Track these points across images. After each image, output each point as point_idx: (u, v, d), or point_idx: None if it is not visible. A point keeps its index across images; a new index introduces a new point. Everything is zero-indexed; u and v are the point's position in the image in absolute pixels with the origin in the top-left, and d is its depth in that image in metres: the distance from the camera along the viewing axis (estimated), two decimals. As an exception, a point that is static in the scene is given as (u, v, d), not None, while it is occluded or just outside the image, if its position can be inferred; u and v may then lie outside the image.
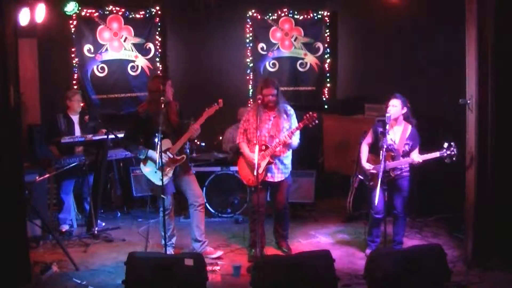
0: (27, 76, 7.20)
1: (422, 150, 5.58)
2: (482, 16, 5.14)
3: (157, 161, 5.44)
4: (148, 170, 5.71)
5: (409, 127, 5.64)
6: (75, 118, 6.93)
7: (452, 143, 5.31)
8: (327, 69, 8.86)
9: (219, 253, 5.79)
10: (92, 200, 6.66)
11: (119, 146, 7.20)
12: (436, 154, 5.38)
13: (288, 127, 5.67)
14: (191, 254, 5.22)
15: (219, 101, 5.65)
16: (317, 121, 5.59)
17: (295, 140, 5.71)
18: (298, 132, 5.69)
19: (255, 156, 5.37)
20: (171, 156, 5.58)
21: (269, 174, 5.73)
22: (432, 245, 5.27)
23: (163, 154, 5.44)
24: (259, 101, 5.56)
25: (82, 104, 7.19)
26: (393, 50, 7.84)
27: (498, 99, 5.23)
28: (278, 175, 5.78)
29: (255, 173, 5.34)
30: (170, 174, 5.63)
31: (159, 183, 5.51)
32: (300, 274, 4.52)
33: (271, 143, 5.65)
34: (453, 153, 5.29)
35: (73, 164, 6.53)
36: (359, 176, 5.97)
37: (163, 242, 5.53)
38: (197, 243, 5.79)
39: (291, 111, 5.79)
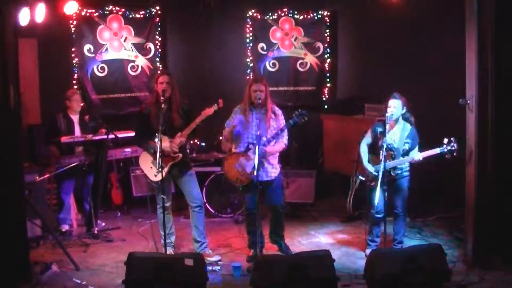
0: (27, 76, 7.20)
1: (422, 149, 5.58)
2: (482, 16, 5.14)
3: (157, 161, 5.41)
4: (145, 165, 5.73)
5: (408, 126, 5.64)
6: (75, 118, 6.92)
7: (452, 138, 5.32)
8: (327, 69, 8.86)
9: (216, 257, 5.75)
10: (92, 200, 6.66)
11: (119, 146, 7.22)
12: (436, 151, 5.38)
13: (276, 126, 5.63)
14: (191, 254, 5.22)
15: (219, 101, 5.65)
16: (306, 118, 5.51)
17: (278, 146, 5.61)
18: (285, 133, 5.61)
19: (255, 157, 5.33)
20: (176, 145, 5.55)
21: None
22: (432, 245, 5.26)
23: (168, 144, 5.51)
24: (246, 99, 5.57)
25: (82, 104, 7.19)
26: (393, 50, 7.84)
27: (498, 99, 5.23)
28: (265, 174, 5.65)
29: (248, 172, 5.40)
30: (165, 170, 5.59)
31: (153, 178, 5.58)
32: (300, 274, 4.52)
33: (258, 142, 5.51)
34: (453, 148, 5.30)
35: (73, 164, 6.53)
36: (360, 177, 5.96)
37: (162, 241, 5.54)
38: (196, 244, 5.79)
39: (278, 111, 5.74)
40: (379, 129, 5.61)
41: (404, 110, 5.63)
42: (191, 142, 7.45)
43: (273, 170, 5.70)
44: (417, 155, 5.48)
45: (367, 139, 5.82)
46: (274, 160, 5.74)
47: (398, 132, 5.63)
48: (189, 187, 5.76)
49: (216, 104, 5.60)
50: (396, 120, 5.63)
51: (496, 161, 5.29)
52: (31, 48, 7.60)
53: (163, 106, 5.46)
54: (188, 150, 6.86)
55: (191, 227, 5.81)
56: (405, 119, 5.67)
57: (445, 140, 5.34)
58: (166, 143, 5.54)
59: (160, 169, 5.33)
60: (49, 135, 6.84)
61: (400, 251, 5.37)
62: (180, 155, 5.64)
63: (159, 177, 5.44)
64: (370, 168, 5.67)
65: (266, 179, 5.66)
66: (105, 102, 8.29)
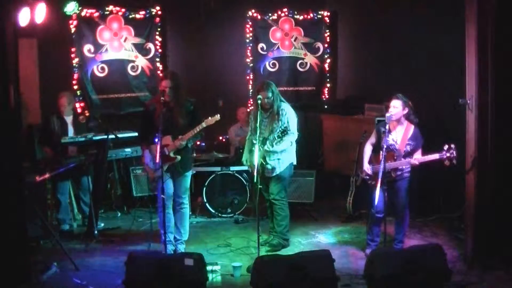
0: (27, 76, 7.19)
1: (422, 152, 5.56)
2: (482, 16, 5.14)
3: (157, 160, 5.43)
4: (147, 159, 5.84)
5: (411, 127, 5.61)
6: (68, 119, 6.91)
7: (452, 145, 5.26)
8: (327, 69, 8.87)
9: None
10: (92, 200, 6.66)
11: (119, 146, 7.21)
12: (436, 156, 5.34)
13: (278, 127, 5.80)
14: (191, 254, 5.21)
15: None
16: None
17: (283, 144, 5.84)
18: (289, 135, 5.81)
19: (255, 157, 5.58)
20: (167, 153, 5.61)
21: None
22: (432, 245, 5.26)
23: (170, 143, 5.59)
24: (258, 101, 5.69)
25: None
26: (393, 50, 7.84)
27: (498, 99, 5.22)
28: (268, 171, 5.94)
29: (255, 172, 5.57)
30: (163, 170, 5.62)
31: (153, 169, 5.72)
32: (300, 274, 4.53)
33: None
34: (452, 155, 5.24)
35: (72, 165, 6.52)
36: (361, 175, 5.96)
37: (162, 240, 5.55)
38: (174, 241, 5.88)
39: (283, 110, 5.89)
40: (382, 129, 5.59)
41: (406, 111, 5.59)
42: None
43: (277, 164, 5.91)
44: (413, 159, 5.47)
45: (372, 139, 5.82)
46: (283, 155, 5.90)
47: (401, 132, 5.61)
48: (179, 183, 5.83)
49: (218, 115, 5.68)
50: (398, 121, 5.62)
51: (496, 161, 5.29)
52: (31, 48, 7.59)
53: (164, 107, 5.50)
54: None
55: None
56: (408, 119, 5.65)
57: (445, 147, 5.28)
58: (168, 142, 5.61)
59: (159, 169, 5.38)
60: (43, 136, 6.87)
61: (400, 251, 5.37)
62: (178, 157, 5.68)
63: (159, 173, 5.54)
64: (366, 168, 5.70)
65: (267, 175, 5.94)
66: (105, 102, 8.28)
